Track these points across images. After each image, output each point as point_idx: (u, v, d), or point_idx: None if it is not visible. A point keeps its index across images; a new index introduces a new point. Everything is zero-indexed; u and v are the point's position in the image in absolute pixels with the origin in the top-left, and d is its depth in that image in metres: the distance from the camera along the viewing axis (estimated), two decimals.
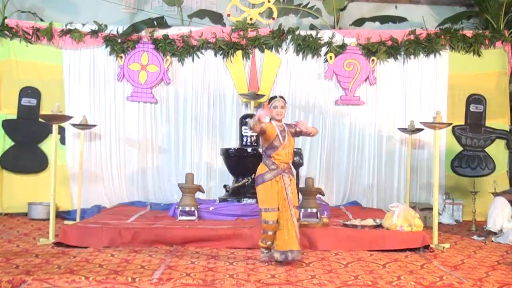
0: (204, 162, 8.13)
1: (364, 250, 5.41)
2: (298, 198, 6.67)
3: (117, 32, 8.04)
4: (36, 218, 7.31)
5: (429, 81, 8.17)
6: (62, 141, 7.90)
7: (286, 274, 4.43)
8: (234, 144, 7.91)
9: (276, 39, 8.13)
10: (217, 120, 8.23)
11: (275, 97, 4.96)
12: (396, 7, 9.27)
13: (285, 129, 4.93)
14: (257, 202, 6.62)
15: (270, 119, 4.85)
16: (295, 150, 7.04)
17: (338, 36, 8.21)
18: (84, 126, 7.13)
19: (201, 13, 8.76)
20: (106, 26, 8.08)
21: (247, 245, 5.47)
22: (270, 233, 4.78)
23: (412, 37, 8.12)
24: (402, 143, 8.12)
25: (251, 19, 8.22)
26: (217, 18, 8.78)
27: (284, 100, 4.97)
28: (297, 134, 5.01)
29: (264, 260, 4.88)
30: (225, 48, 8.09)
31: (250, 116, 7.31)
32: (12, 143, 7.90)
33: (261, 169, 4.89)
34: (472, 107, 8.18)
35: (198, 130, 8.18)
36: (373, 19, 8.75)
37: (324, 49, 8.18)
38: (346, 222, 5.97)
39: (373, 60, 8.12)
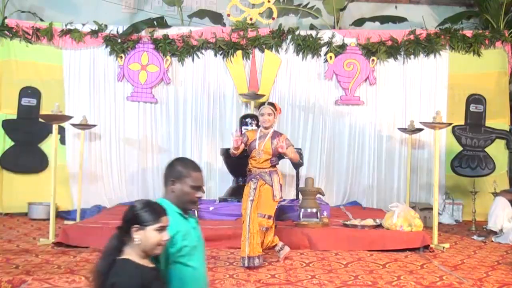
0: (204, 162, 8.11)
1: (364, 250, 5.41)
2: (298, 198, 6.71)
3: (117, 32, 8.04)
4: (36, 218, 7.31)
5: (429, 81, 8.17)
6: (62, 141, 7.89)
7: (286, 274, 4.43)
8: None
9: (276, 39, 8.13)
10: (217, 120, 8.23)
11: (264, 103, 5.06)
12: (396, 7, 9.27)
13: (267, 136, 4.94)
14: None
15: (259, 126, 5.04)
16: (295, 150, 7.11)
17: (338, 36, 8.20)
18: (84, 126, 7.14)
19: (201, 13, 8.75)
20: (106, 26, 8.08)
21: None
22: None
23: (412, 37, 8.11)
24: (402, 143, 8.12)
25: (251, 19, 8.21)
26: (217, 18, 8.77)
27: (274, 107, 4.93)
28: (279, 152, 4.87)
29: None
30: (225, 48, 8.09)
31: (250, 116, 7.31)
32: (12, 143, 7.90)
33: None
34: (472, 107, 8.18)
35: (198, 130, 8.18)
36: (373, 19, 8.75)
37: (324, 49, 8.18)
38: (346, 222, 5.97)
39: (373, 60, 8.12)
